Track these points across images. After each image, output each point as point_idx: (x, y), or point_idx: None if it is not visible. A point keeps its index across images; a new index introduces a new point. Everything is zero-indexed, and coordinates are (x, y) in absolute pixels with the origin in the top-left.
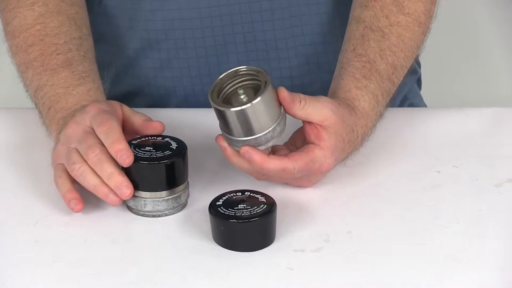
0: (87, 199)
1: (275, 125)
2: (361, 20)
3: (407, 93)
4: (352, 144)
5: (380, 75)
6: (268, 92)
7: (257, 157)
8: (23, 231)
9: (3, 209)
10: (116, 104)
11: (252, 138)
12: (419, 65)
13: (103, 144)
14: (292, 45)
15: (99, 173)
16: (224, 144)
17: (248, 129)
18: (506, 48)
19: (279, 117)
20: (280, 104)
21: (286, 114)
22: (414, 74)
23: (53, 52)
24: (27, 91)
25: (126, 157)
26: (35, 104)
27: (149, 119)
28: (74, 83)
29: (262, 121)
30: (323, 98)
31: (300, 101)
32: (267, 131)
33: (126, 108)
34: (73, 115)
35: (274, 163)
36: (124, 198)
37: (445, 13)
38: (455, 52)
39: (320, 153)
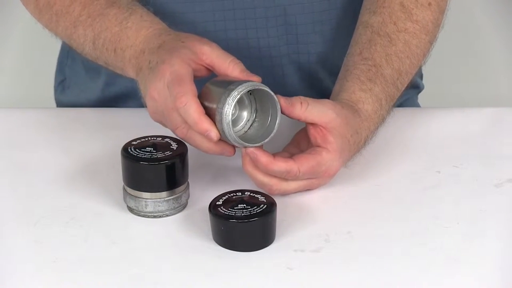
0: (87, 199)
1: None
2: (369, 25)
3: (403, 102)
4: (357, 146)
5: (385, 79)
6: (208, 85)
7: (263, 158)
8: (23, 231)
9: (3, 209)
10: (190, 53)
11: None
12: (422, 86)
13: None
14: (286, 53)
15: (194, 147)
16: (246, 151)
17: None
18: (506, 48)
19: (217, 108)
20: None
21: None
22: (416, 88)
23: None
24: (83, 50)
25: (214, 136)
26: (97, 57)
27: (246, 70)
28: (125, 16)
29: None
30: (326, 100)
31: (301, 103)
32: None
33: (208, 53)
34: (143, 51)
35: (279, 165)
36: (230, 155)
37: (446, 13)
38: (455, 52)
39: (327, 156)
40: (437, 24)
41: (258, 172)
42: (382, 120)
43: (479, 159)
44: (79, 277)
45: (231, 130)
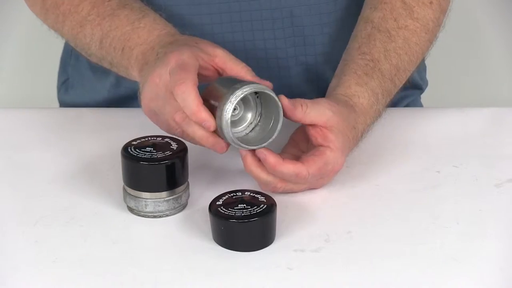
0: (87, 199)
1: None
2: (369, 20)
3: (409, 103)
4: (355, 141)
5: (383, 74)
6: (214, 83)
7: (271, 159)
8: (23, 231)
9: (3, 209)
10: (202, 52)
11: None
12: (426, 84)
13: None
14: (293, 55)
15: (190, 135)
16: (244, 152)
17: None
18: (506, 48)
19: (219, 104)
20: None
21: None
22: (419, 89)
23: (104, 0)
24: (88, 50)
25: (210, 126)
26: (102, 57)
27: (257, 77)
28: (137, 17)
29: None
30: (322, 100)
31: (302, 106)
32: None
33: (222, 56)
34: (153, 48)
35: (288, 167)
36: (221, 152)
37: (448, 14)
38: (455, 52)
39: (332, 154)
40: (437, 24)
41: (262, 170)
42: (378, 114)
43: (479, 159)
44: (79, 277)
45: (229, 128)
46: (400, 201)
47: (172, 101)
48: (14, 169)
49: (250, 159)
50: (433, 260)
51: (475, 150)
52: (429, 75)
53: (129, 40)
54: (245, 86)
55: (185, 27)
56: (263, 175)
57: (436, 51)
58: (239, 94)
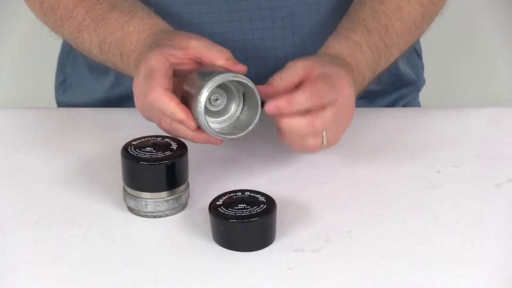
0: (87, 199)
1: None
2: None
3: (407, 103)
4: (339, 65)
5: (368, 30)
6: (190, 75)
7: (282, 100)
8: (23, 231)
9: (3, 209)
10: (173, 49)
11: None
12: (423, 82)
13: None
14: (292, 54)
15: (182, 137)
16: (267, 109)
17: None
18: (506, 48)
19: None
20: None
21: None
22: (416, 87)
23: (96, 3)
24: (90, 53)
25: (189, 126)
26: (105, 61)
27: (232, 59)
28: (126, 20)
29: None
30: (288, 64)
31: (276, 78)
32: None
33: (196, 46)
34: (141, 53)
35: (301, 94)
36: (218, 144)
37: (445, 13)
38: (455, 52)
39: (326, 69)
40: (432, 2)
41: (299, 117)
42: (366, 64)
43: (479, 159)
44: (79, 277)
45: (208, 128)
46: (400, 201)
47: (154, 110)
48: (14, 169)
49: (285, 121)
50: (433, 260)
51: (475, 150)
52: (427, 74)
53: (124, 46)
54: (210, 82)
55: (184, 26)
56: (302, 121)
57: (435, 51)
58: (205, 92)
